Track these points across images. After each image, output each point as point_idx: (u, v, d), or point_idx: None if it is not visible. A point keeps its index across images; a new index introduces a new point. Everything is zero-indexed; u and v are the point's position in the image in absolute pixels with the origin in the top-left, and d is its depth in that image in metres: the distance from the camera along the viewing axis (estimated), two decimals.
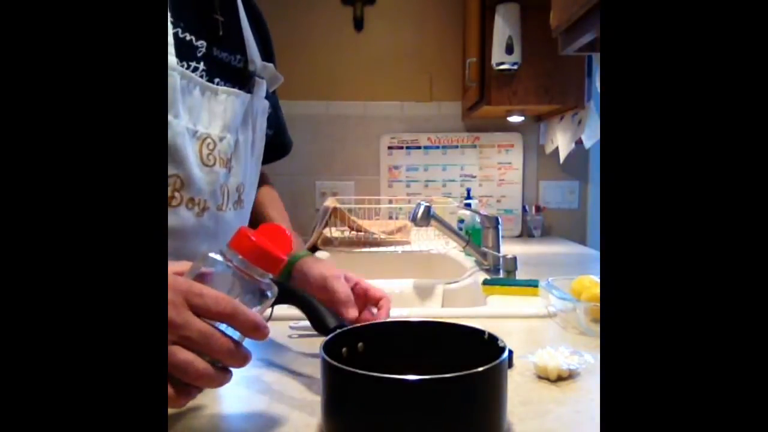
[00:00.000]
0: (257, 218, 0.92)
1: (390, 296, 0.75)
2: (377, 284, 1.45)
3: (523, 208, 2.10)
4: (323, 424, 0.48)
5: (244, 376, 0.61)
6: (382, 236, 1.76)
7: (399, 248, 1.71)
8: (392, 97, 2.11)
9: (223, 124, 0.74)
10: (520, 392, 0.57)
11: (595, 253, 1.68)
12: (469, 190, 2.01)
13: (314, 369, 0.64)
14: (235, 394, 0.58)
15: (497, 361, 0.45)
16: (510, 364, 0.64)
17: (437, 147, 2.10)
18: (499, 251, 1.30)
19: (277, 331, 0.78)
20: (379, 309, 0.73)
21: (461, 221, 1.75)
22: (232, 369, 0.45)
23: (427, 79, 2.11)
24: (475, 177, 2.10)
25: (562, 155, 1.89)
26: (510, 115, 1.95)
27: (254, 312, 0.45)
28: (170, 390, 0.42)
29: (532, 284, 1.04)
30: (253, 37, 0.82)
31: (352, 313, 0.68)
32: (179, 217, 0.70)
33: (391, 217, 2.01)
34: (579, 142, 1.78)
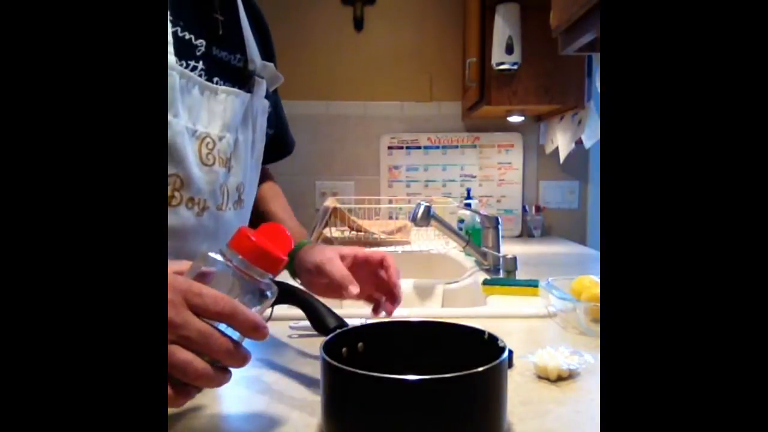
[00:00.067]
0: (260, 214, 0.92)
1: (391, 254, 0.77)
2: None
3: (523, 208, 2.10)
4: (323, 424, 0.48)
5: (244, 376, 0.61)
6: (382, 236, 1.76)
7: (399, 248, 1.71)
8: (392, 97, 2.11)
9: (222, 123, 0.74)
10: (520, 392, 0.57)
11: (595, 253, 1.68)
12: (469, 190, 2.01)
13: (314, 369, 0.64)
14: (235, 394, 0.58)
15: (497, 361, 0.45)
16: (510, 364, 0.64)
17: (437, 147, 2.10)
18: (499, 251, 1.30)
19: (277, 331, 0.78)
20: (386, 269, 0.74)
21: (461, 221, 1.75)
22: (231, 369, 0.45)
23: (427, 79, 2.11)
24: (475, 177, 2.10)
25: (562, 155, 1.89)
26: (510, 115, 1.95)
27: (254, 312, 0.45)
28: (169, 390, 0.42)
29: (532, 284, 1.04)
30: (253, 37, 0.82)
31: (353, 290, 0.68)
32: (179, 216, 0.70)
33: (391, 217, 2.01)
34: (579, 142, 1.78)
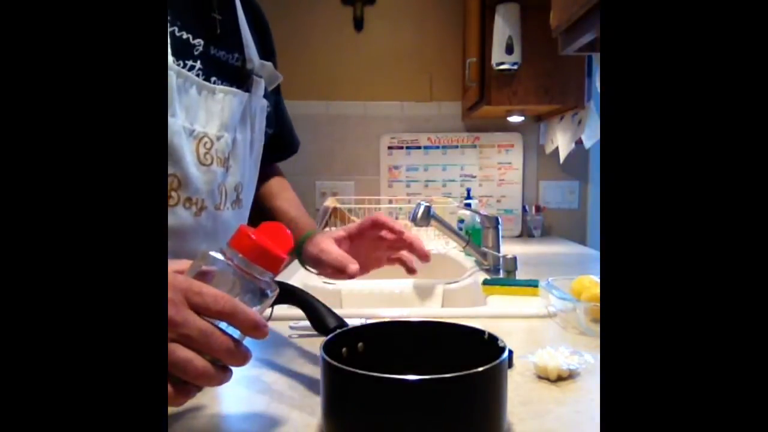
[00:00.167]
0: (266, 211, 0.92)
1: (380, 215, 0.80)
2: (377, 284, 1.45)
3: (523, 208, 2.10)
4: (323, 424, 0.48)
5: (244, 376, 0.61)
6: None
7: None
8: (392, 97, 2.11)
9: (220, 123, 0.74)
10: (520, 392, 0.57)
11: (595, 253, 1.68)
12: (469, 190, 2.01)
13: (314, 369, 0.64)
14: (235, 394, 0.58)
15: (497, 361, 0.45)
16: (510, 364, 0.64)
17: (437, 147, 2.10)
18: (499, 251, 1.30)
19: (277, 331, 0.78)
20: (384, 226, 0.77)
21: (461, 221, 1.75)
22: (232, 368, 0.45)
23: (427, 79, 2.11)
24: (475, 177, 2.10)
25: (562, 155, 1.89)
26: (510, 115, 1.95)
27: (254, 311, 0.45)
28: (169, 388, 0.42)
29: (532, 284, 1.04)
30: (252, 36, 0.82)
31: (352, 268, 0.71)
32: (177, 216, 0.70)
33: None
34: (579, 142, 1.78)
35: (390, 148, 2.11)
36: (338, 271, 0.73)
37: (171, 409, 0.50)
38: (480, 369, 0.43)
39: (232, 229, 0.47)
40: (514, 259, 1.23)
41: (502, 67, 1.57)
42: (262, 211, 0.93)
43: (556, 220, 2.12)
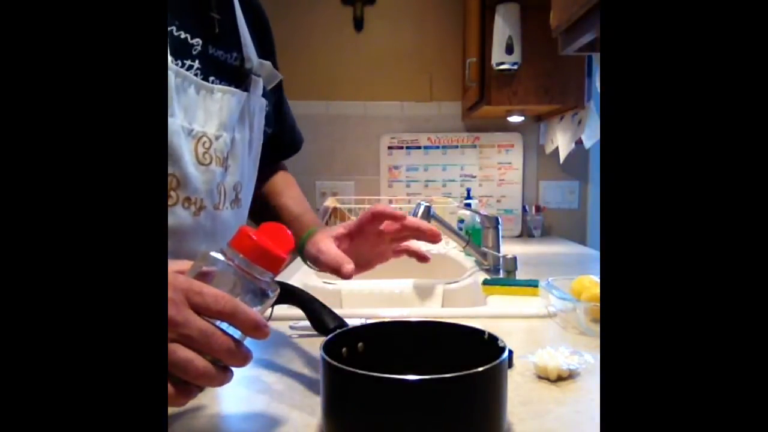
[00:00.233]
0: (271, 209, 0.92)
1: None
2: (377, 284, 1.45)
3: (523, 208, 2.10)
4: (323, 424, 0.48)
5: (244, 376, 0.61)
6: None
7: None
8: (392, 97, 2.11)
9: (219, 122, 0.74)
10: (520, 392, 0.57)
11: (595, 253, 1.68)
12: (469, 190, 2.01)
13: (314, 369, 0.64)
14: (235, 394, 0.58)
15: (497, 361, 0.45)
16: (510, 364, 0.64)
17: (437, 147, 2.10)
18: (499, 251, 1.30)
19: (277, 331, 0.78)
20: (385, 216, 0.74)
21: (461, 221, 1.75)
22: (232, 368, 0.45)
23: (427, 79, 2.11)
24: (475, 177, 2.10)
25: (562, 155, 1.89)
26: (510, 115, 1.95)
27: (255, 311, 0.45)
28: (171, 389, 0.42)
29: (532, 284, 1.04)
30: (251, 34, 0.82)
31: (346, 269, 0.69)
32: (176, 216, 0.70)
33: None
34: (579, 142, 1.78)
35: (390, 148, 2.12)
36: (333, 273, 0.72)
37: (171, 409, 0.50)
38: (480, 369, 0.43)
39: (232, 229, 0.47)
40: (514, 259, 1.23)
41: (502, 67, 1.57)
42: (266, 209, 0.93)
43: (556, 220, 2.12)
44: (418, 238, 0.76)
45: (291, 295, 0.61)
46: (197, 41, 0.72)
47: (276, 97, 0.91)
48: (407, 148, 2.11)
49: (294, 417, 0.52)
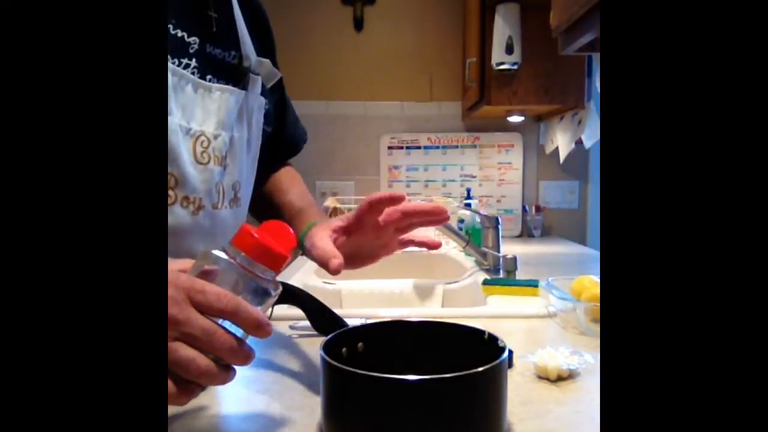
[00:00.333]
0: (275, 207, 0.91)
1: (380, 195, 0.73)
2: (377, 284, 1.45)
3: (523, 208, 2.10)
4: (323, 424, 0.48)
5: (244, 376, 0.61)
6: None
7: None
8: (392, 97, 2.11)
9: (217, 121, 0.74)
10: (520, 392, 0.57)
11: (595, 253, 1.68)
12: (469, 190, 2.01)
13: (314, 369, 0.64)
14: (235, 394, 0.58)
15: (497, 361, 0.45)
16: (510, 364, 0.64)
17: (437, 147, 2.10)
18: (499, 251, 1.30)
19: (277, 331, 0.78)
20: (384, 202, 0.71)
21: (461, 221, 1.75)
22: (234, 367, 0.45)
23: (427, 79, 2.11)
24: (475, 177, 2.10)
25: (562, 155, 1.89)
26: (510, 115, 1.95)
27: (257, 309, 0.45)
28: (172, 387, 0.41)
29: (532, 284, 1.04)
30: (249, 33, 0.81)
31: (333, 264, 0.65)
32: (174, 215, 0.70)
33: None
34: (579, 142, 1.78)
35: (390, 148, 2.12)
36: (323, 266, 0.68)
37: (171, 409, 0.50)
38: (480, 369, 0.43)
39: (231, 228, 0.47)
40: (514, 259, 1.23)
41: (502, 67, 1.57)
42: (270, 207, 0.92)
43: (556, 220, 2.12)
44: (424, 223, 0.72)
45: (291, 295, 0.61)
46: (194, 40, 0.72)
47: (276, 95, 0.91)
48: (407, 148, 2.11)
49: (294, 417, 0.52)
